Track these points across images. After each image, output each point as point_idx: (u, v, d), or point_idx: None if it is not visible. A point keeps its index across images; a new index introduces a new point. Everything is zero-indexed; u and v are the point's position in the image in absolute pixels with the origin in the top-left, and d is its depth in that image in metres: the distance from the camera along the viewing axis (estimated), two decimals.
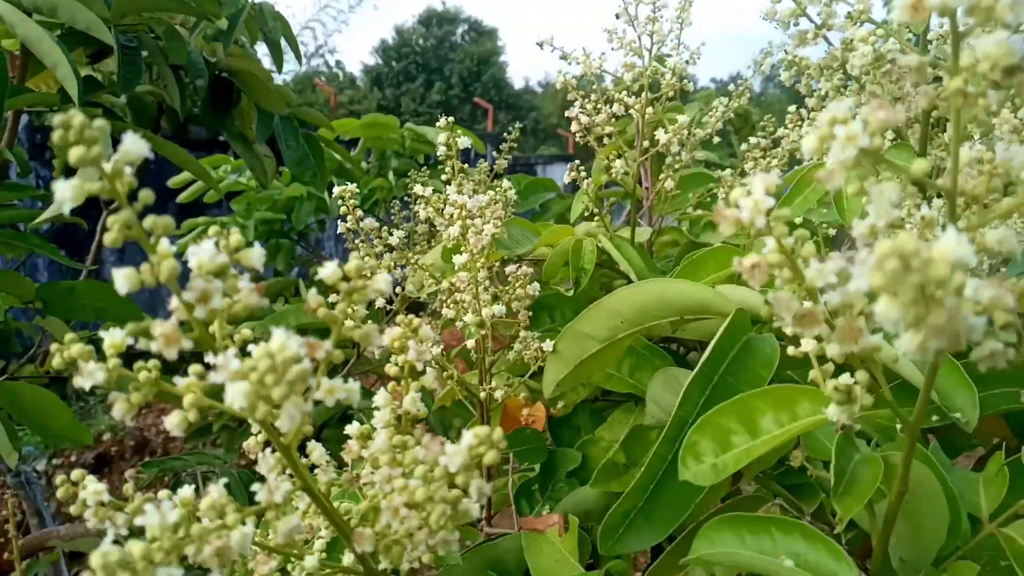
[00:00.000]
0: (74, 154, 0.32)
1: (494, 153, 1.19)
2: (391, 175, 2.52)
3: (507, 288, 0.85)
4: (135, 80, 1.44)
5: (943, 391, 0.64)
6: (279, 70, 1.79)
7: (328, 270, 0.42)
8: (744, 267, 0.35)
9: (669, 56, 1.03)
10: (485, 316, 0.76)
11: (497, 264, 0.93)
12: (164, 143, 1.50)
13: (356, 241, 0.87)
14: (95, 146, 0.33)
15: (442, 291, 0.84)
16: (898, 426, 0.64)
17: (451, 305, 0.81)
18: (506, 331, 0.90)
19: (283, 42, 1.78)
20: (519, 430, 0.92)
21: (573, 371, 0.80)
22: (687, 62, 0.99)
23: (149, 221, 0.35)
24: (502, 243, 1.02)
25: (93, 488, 0.42)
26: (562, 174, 1.07)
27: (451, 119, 0.87)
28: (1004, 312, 0.34)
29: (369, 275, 0.42)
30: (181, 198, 2.41)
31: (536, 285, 0.89)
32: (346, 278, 0.43)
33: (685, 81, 0.97)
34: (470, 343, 0.81)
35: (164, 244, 0.36)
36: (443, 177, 0.94)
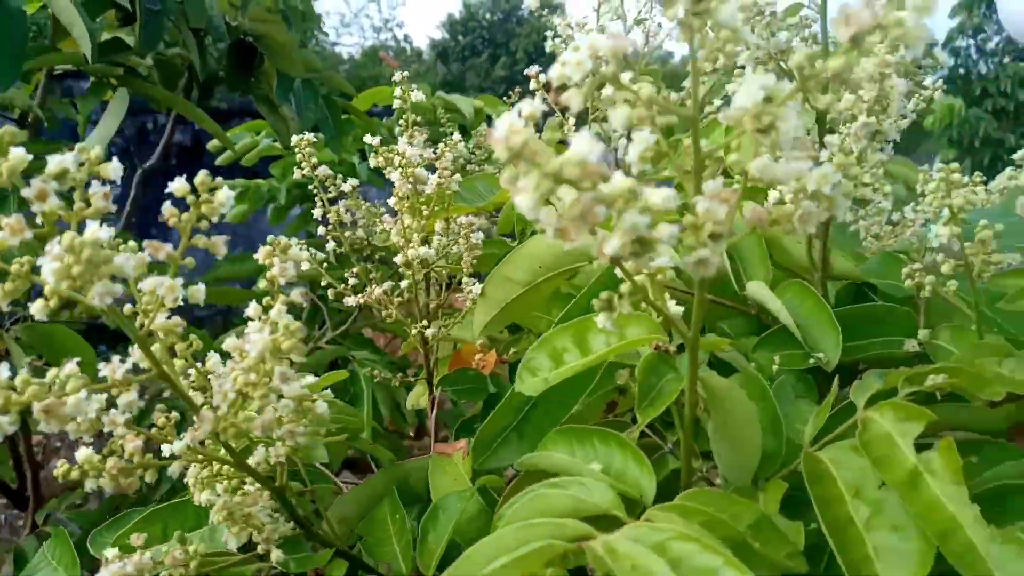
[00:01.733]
0: None
1: None
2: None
3: (455, 237, 0.91)
4: (155, 41, 1.53)
5: (812, 334, 0.67)
6: (298, 33, 1.86)
7: (176, 184, 0.48)
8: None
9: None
10: (411, 256, 0.82)
11: (460, 217, 0.98)
12: (183, 103, 1.60)
13: (312, 187, 0.94)
14: None
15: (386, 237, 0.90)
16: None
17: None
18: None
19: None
20: (462, 370, 0.98)
21: (499, 313, 0.85)
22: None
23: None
24: (464, 197, 1.08)
25: None
26: None
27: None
28: (714, 224, 0.38)
29: (211, 192, 0.49)
30: (219, 161, 2.53)
31: (480, 235, 0.94)
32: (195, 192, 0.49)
33: None
34: (404, 284, 0.87)
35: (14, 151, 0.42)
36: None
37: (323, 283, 0.93)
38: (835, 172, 0.40)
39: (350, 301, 0.91)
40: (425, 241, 0.85)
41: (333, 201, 0.95)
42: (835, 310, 0.71)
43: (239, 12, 1.65)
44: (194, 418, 0.52)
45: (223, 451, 0.55)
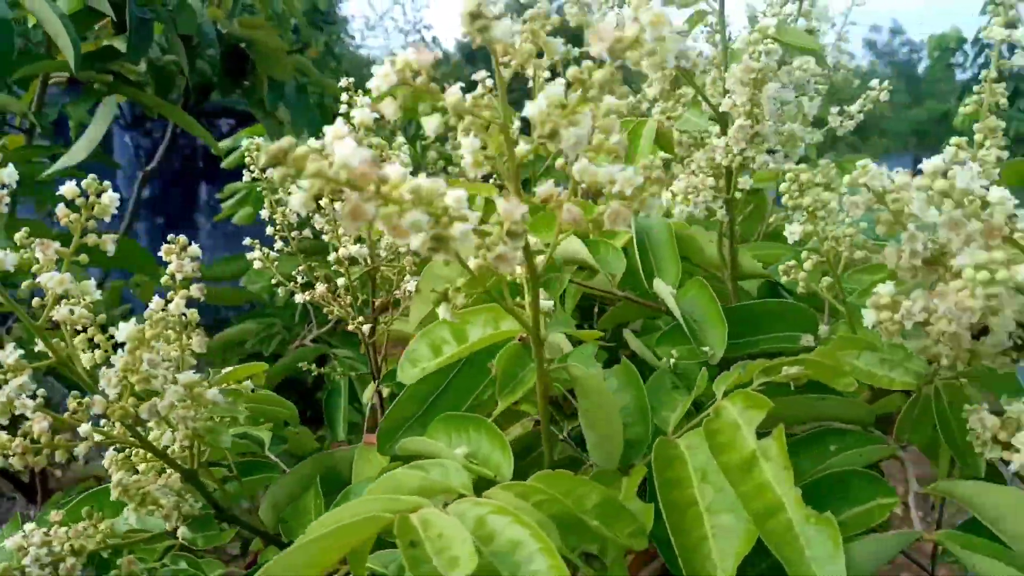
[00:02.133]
0: None
1: None
2: (418, 144, 2.64)
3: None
4: (144, 49, 1.60)
5: (702, 329, 0.70)
6: (285, 35, 1.91)
7: (66, 187, 0.53)
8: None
9: None
10: (342, 255, 0.86)
11: None
12: (171, 108, 1.66)
13: (259, 188, 0.98)
14: None
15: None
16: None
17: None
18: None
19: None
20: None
21: (433, 310, 0.88)
22: None
23: None
24: None
25: None
26: None
27: None
28: (512, 223, 0.42)
29: (99, 195, 0.53)
30: (224, 164, 2.60)
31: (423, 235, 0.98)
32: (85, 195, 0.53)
33: None
34: (340, 281, 0.91)
35: None
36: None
37: (273, 281, 0.97)
38: (638, 175, 0.43)
39: (298, 298, 0.95)
40: (359, 240, 0.89)
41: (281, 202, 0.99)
42: (736, 306, 0.74)
43: (228, 19, 1.70)
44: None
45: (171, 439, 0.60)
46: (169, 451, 0.63)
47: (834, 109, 1.18)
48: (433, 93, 0.42)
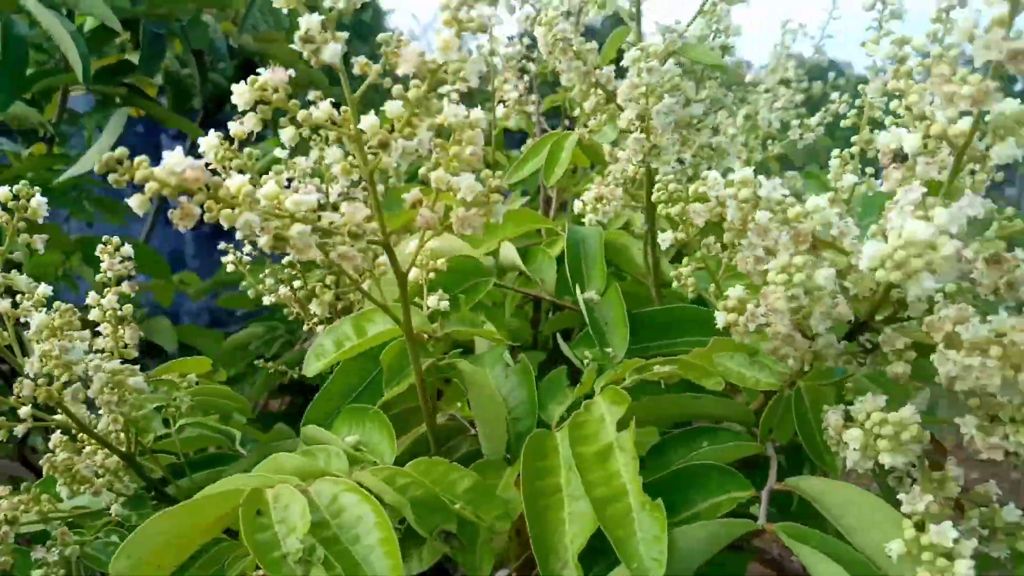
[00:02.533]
0: None
1: None
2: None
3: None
4: (156, 62, 1.68)
5: (609, 332, 0.74)
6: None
7: (1, 191, 0.59)
8: None
9: None
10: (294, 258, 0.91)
11: None
12: (180, 119, 1.74)
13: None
14: None
15: None
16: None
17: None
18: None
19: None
20: None
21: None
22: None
23: None
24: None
25: None
26: None
27: None
28: (355, 225, 0.46)
29: (28, 199, 0.59)
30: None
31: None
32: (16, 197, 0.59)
33: None
34: (296, 284, 0.96)
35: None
36: None
37: (243, 284, 1.03)
38: (477, 183, 0.47)
39: (267, 300, 1.00)
40: None
41: None
42: (647, 311, 0.77)
43: (239, 33, 1.78)
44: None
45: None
46: (113, 436, 0.69)
47: (795, 121, 1.21)
48: (290, 108, 0.47)
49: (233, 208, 0.42)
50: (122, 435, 0.69)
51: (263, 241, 0.44)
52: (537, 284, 0.85)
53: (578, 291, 0.77)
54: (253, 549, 0.43)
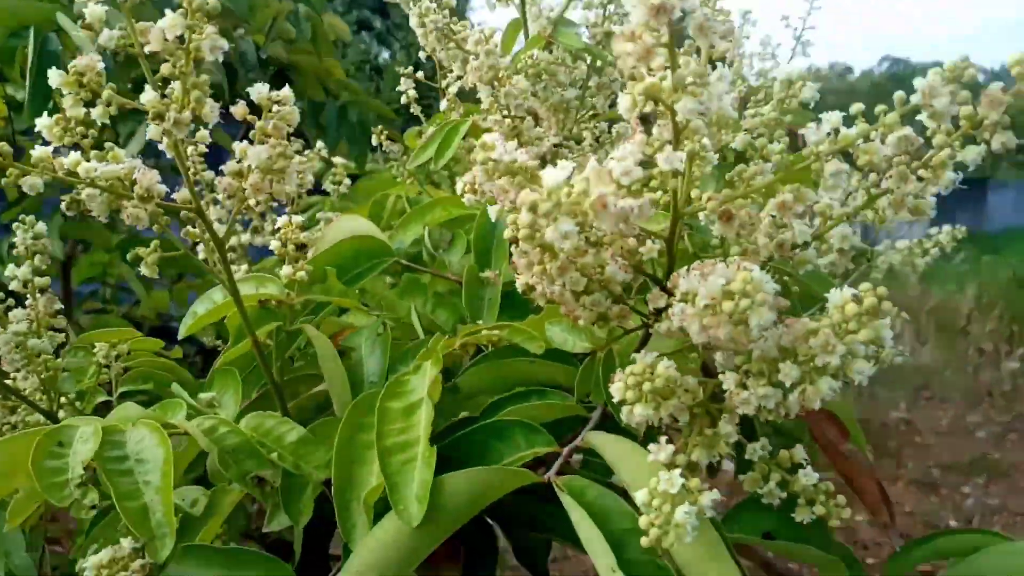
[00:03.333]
0: None
1: None
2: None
3: None
4: None
5: (486, 307, 0.77)
6: (319, 59, 2.06)
7: None
8: None
9: None
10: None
11: None
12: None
13: None
14: None
15: None
16: None
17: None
18: None
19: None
20: None
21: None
22: None
23: None
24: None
25: None
26: None
27: None
28: (143, 188, 0.52)
29: None
30: None
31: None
32: None
33: None
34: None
35: None
36: None
37: None
38: (264, 152, 0.52)
39: None
40: None
41: None
42: None
43: (268, 43, 1.89)
44: None
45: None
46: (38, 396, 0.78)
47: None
48: (103, 92, 0.53)
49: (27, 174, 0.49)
50: (41, 395, 0.77)
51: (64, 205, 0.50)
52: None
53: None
54: (37, 474, 0.49)
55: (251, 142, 0.55)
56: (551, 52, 0.75)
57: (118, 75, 1.71)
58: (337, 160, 1.18)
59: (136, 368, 0.88)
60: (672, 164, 0.43)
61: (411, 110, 1.13)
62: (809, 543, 0.61)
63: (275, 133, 0.55)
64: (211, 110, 0.52)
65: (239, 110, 0.57)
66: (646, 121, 0.49)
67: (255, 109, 0.58)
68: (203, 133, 0.58)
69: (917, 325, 6.12)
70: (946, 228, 1.11)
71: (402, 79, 1.05)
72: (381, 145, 1.14)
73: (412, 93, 1.10)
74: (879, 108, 0.43)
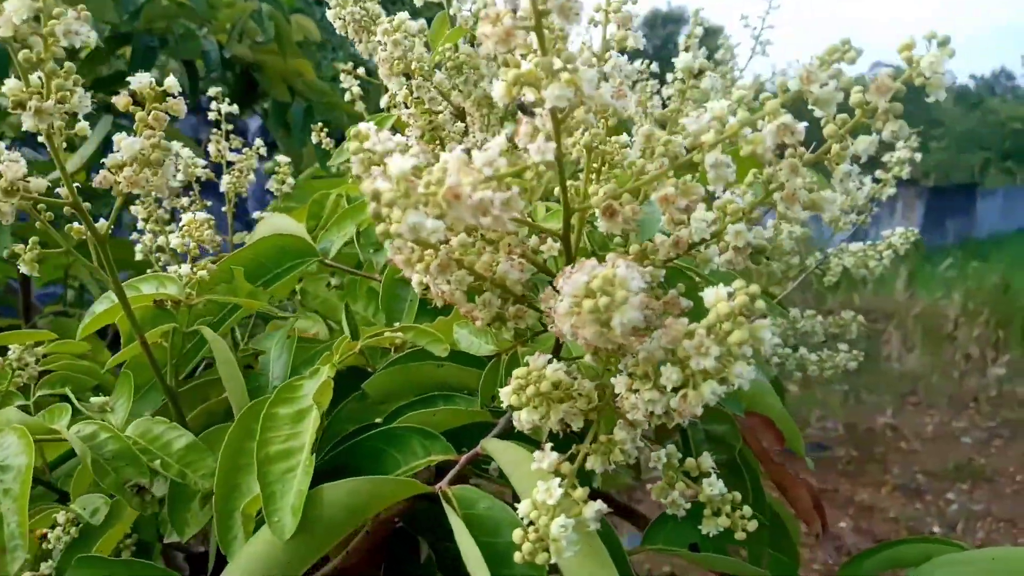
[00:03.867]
0: None
1: None
2: None
3: None
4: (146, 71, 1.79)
5: (405, 308, 0.74)
6: (284, 60, 2.03)
7: None
8: None
9: None
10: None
11: None
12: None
13: None
14: None
15: None
16: None
17: None
18: None
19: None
20: None
21: None
22: None
23: None
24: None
25: None
26: None
27: None
28: (8, 182, 0.49)
29: None
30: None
31: None
32: None
33: None
34: None
35: None
36: None
37: None
38: (136, 144, 0.49)
39: None
40: None
41: None
42: None
43: (231, 42, 1.86)
44: None
45: None
46: None
47: None
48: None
49: None
50: None
51: None
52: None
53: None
54: None
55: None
56: (475, 46, 0.72)
57: (83, 69, 1.69)
58: (280, 159, 1.15)
59: (56, 371, 0.85)
60: (544, 155, 0.40)
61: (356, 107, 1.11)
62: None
63: (156, 124, 0.52)
64: (80, 100, 0.49)
65: (121, 100, 0.54)
66: (524, 110, 0.46)
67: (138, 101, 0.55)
68: (83, 125, 0.55)
69: (904, 331, 6.12)
70: (899, 230, 1.08)
71: (343, 76, 1.03)
72: (321, 142, 1.12)
73: (356, 90, 1.08)
74: (763, 95, 0.40)
